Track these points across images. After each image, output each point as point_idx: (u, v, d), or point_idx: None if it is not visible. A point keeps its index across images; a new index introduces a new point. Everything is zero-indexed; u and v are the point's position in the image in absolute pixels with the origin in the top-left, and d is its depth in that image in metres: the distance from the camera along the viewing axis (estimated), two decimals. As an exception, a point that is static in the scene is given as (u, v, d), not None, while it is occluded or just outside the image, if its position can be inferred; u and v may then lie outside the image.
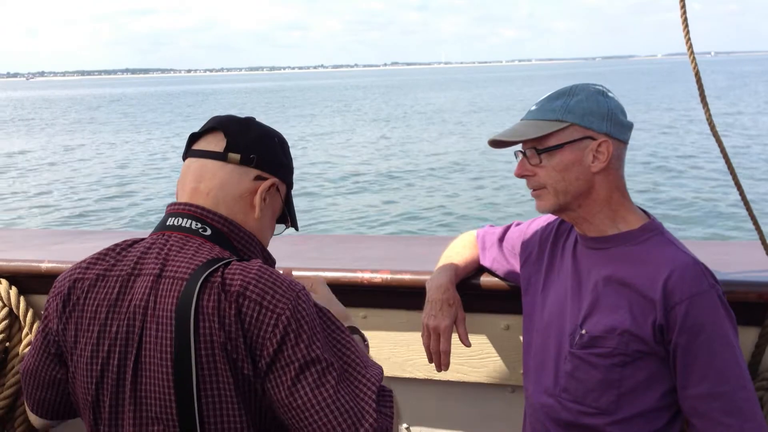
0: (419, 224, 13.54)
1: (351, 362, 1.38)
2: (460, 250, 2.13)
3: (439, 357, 1.96)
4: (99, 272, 1.46)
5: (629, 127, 1.73)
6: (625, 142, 1.72)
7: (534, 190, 1.73)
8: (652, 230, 1.72)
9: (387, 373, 2.33)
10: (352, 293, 2.28)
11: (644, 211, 1.78)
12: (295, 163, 1.66)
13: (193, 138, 1.55)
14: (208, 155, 1.50)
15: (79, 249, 2.75)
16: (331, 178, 18.91)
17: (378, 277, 2.22)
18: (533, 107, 1.75)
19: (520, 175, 1.73)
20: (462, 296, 2.01)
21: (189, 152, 1.54)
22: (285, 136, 1.65)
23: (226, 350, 1.30)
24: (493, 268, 2.10)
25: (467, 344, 1.97)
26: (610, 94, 1.74)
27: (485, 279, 2.13)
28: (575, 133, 1.67)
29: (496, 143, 1.76)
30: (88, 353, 1.44)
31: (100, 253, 1.51)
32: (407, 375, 2.32)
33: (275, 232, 1.63)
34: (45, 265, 2.50)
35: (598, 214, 1.72)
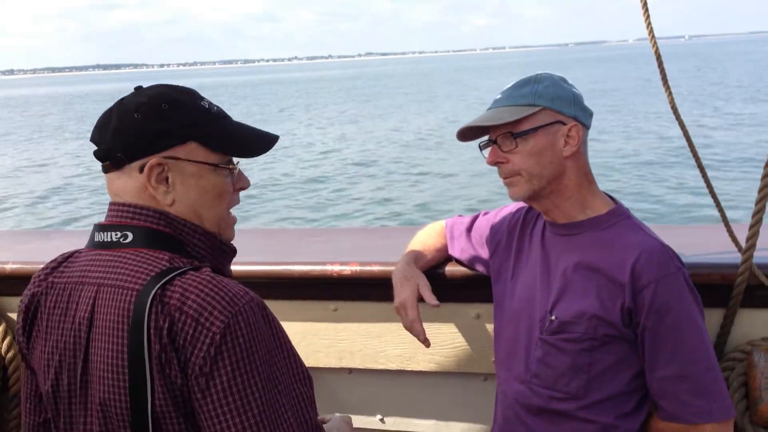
0: (391, 214, 13.56)
1: (282, 391, 1.28)
2: (425, 239, 2.13)
3: (414, 332, 1.92)
4: (49, 282, 1.43)
5: (591, 113, 1.77)
6: (588, 128, 1.75)
7: (506, 177, 1.74)
8: (619, 215, 1.74)
9: (360, 365, 2.35)
10: (322, 286, 2.28)
11: (610, 197, 1.80)
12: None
13: None
14: (103, 170, 1.41)
15: (45, 249, 2.71)
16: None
17: (347, 269, 2.21)
18: (499, 96, 1.77)
19: (493, 163, 1.74)
20: (432, 286, 2.00)
21: None
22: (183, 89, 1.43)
23: (161, 362, 1.24)
24: (461, 258, 2.10)
25: (434, 304, 1.90)
26: (570, 83, 1.78)
27: (454, 268, 2.13)
28: (547, 117, 1.70)
29: (465, 134, 1.77)
30: (43, 365, 1.41)
31: (53, 261, 1.47)
32: (380, 366, 2.32)
33: (230, 164, 1.42)
34: (10, 266, 2.46)
35: (568, 199, 1.74)
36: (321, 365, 2.35)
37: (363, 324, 2.30)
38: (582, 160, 1.74)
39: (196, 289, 1.26)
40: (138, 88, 1.43)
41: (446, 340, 2.20)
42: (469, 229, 2.07)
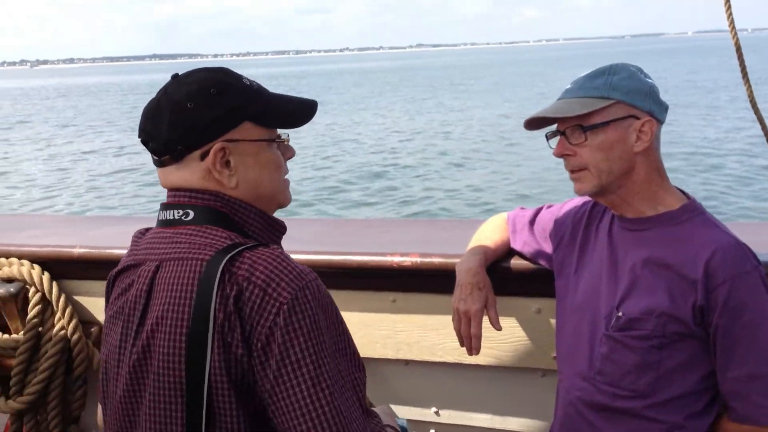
0: (448, 207, 13.46)
1: (343, 371, 1.31)
2: (490, 234, 2.11)
3: (470, 341, 1.94)
4: (123, 262, 1.48)
5: (666, 107, 1.72)
6: (663, 122, 1.69)
7: (573, 171, 1.70)
8: (692, 211, 1.68)
9: (417, 357, 2.34)
10: (382, 277, 2.27)
11: (683, 192, 1.75)
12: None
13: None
14: (154, 162, 1.44)
15: (111, 234, 2.77)
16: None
17: (407, 260, 2.20)
18: (571, 86, 1.72)
19: (559, 155, 1.70)
20: (492, 279, 1.99)
21: None
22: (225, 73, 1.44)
23: (223, 331, 1.26)
24: (523, 251, 2.07)
25: (498, 328, 1.95)
26: (647, 74, 1.72)
27: (516, 262, 2.10)
28: (620, 111, 1.64)
29: (533, 123, 1.73)
30: (107, 342, 1.47)
31: (133, 240, 1.53)
32: (437, 359, 2.31)
33: (281, 136, 1.46)
34: (77, 251, 2.52)
35: (637, 195, 1.69)
36: (378, 356, 2.35)
37: (421, 316, 2.28)
38: (654, 156, 1.69)
39: (265, 262, 1.29)
40: (175, 76, 1.44)
41: (505, 335, 2.17)
42: (531, 222, 2.04)
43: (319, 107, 1.54)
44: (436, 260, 2.17)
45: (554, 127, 1.74)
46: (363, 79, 76.17)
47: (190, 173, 1.40)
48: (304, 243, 1.55)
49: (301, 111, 1.49)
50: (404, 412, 2.44)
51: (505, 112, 29.74)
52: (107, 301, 1.52)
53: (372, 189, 15.54)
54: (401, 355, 2.35)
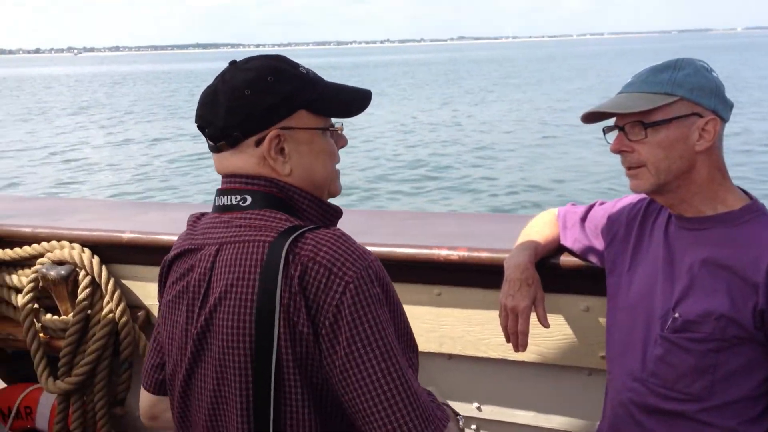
0: (497, 201, 13.31)
1: (403, 352, 1.33)
2: (540, 229, 2.07)
3: (516, 337, 1.91)
4: (180, 247, 1.50)
5: (731, 106, 1.65)
6: (727, 121, 1.64)
7: (630, 168, 1.66)
8: (754, 211, 1.63)
9: (461, 351, 2.32)
10: (428, 270, 2.26)
11: (745, 192, 1.69)
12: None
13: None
14: (210, 148, 1.45)
15: (160, 220, 2.80)
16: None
17: (454, 254, 2.18)
18: (633, 80, 1.67)
19: (617, 151, 1.66)
20: (541, 276, 1.96)
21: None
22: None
23: (288, 311, 1.28)
24: (574, 248, 2.03)
25: (546, 325, 1.92)
26: (714, 71, 1.66)
27: (565, 259, 2.06)
28: (683, 108, 1.59)
29: (591, 117, 1.69)
30: (168, 328, 1.49)
31: (188, 224, 1.55)
32: (481, 354, 2.29)
33: (334, 126, 1.47)
34: (126, 236, 2.56)
35: (697, 194, 1.64)
36: (421, 349, 2.32)
37: (466, 310, 2.26)
38: (716, 155, 1.63)
39: (329, 242, 1.31)
40: (233, 63, 1.46)
41: (551, 332, 2.14)
42: (583, 219, 2.00)
43: (373, 98, 1.54)
44: (484, 255, 2.15)
45: (612, 121, 1.70)
46: (415, 70, 75.73)
47: (245, 159, 1.41)
48: (350, 234, 1.55)
49: (355, 100, 1.50)
50: (446, 407, 2.43)
51: (560, 106, 29.25)
52: (162, 285, 1.54)
53: (420, 181, 15.43)
54: (444, 349, 2.33)
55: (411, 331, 1.40)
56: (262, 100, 1.38)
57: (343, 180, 1.58)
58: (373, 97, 1.54)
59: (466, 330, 2.28)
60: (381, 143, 20.50)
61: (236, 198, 1.42)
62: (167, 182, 16.23)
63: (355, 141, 19.50)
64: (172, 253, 1.50)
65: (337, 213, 1.51)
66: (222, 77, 1.42)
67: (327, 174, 1.47)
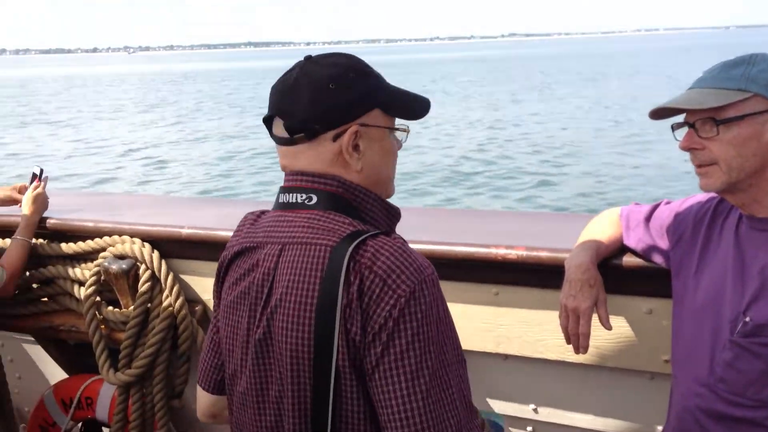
0: (556, 200, 13.09)
1: (449, 366, 1.32)
2: (602, 228, 2.03)
3: (577, 339, 1.87)
4: (241, 245, 1.50)
5: None
6: None
7: (701, 166, 1.60)
8: None
9: (517, 352, 2.29)
10: (485, 269, 2.23)
11: None
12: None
13: (267, 121, 1.49)
14: (281, 142, 1.45)
15: (218, 215, 2.84)
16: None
17: (513, 253, 2.14)
18: (704, 75, 1.61)
19: (686, 148, 1.61)
20: (602, 276, 1.92)
21: (270, 136, 1.50)
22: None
23: (345, 318, 1.30)
24: (637, 249, 1.98)
25: (608, 327, 1.87)
26: None
27: (628, 259, 2.01)
28: (758, 104, 1.53)
29: (660, 113, 1.65)
30: (225, 323, 1.50)
31: (245, 221, 1.56)
32: (538, 355, 2.25)
33: (400, 138, 1.51)
34: (185, 231, 2.60)
35: None
36: (476, 349, 2.32)
37: (524, 310, 2.23)
38: None
39: (388, 252, 1.31)
40: (309, 57, 1.47)
41: (613, 334, 2.09)
42: (647, 219, 1.95)
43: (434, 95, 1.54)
44: (543, 254, 2.11)
45: (681, 117, 1.65)
46: (471, 67, 75.13)
47: (319, 153, 1.42)
48: (408, 232, 1.55)
49: (419, 105, 1.52)
50: (501, 407, 2.40)
51: (627, 103, 28.65)
52: (220, 283, 1.55)
53: (477, 179, 15.29)
54: (501, 349, 2.30)
55: (459, 344, 1.38)
56: (345, 95, 1.40)
57: (403, 177, 1.59)
58: (434, 94, 1.55)
59: (524, 330, 2.25)
60: (439, 142, 20.40)
61: (302, 196, 1.42)
62: (234, 179, 16.41)
63: (414, 138, 19.41)
64: (233, 250, 1.51)
65: (397, 214, 1.53)
66: (300, 70, 1.43)
67: (391, 174, 1.51)
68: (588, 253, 1.93)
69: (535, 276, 2.16)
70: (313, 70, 1.41)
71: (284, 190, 1.46)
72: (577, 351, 1.90)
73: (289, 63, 1.54)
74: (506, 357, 2.32)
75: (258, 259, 1.43)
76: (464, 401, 1.33)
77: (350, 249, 1.31)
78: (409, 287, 1.29)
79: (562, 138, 20.43)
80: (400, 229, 1.52)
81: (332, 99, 1.39)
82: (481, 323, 2.29)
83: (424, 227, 2.49)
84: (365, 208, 1.44)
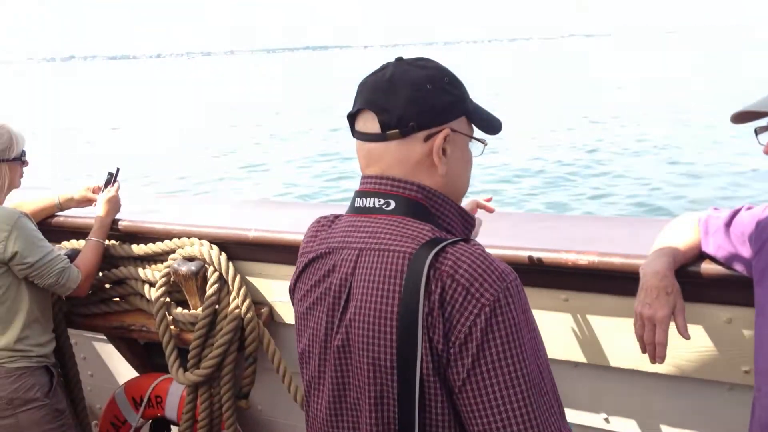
0: (629, 205, 12.66)
1: (544, 370, 1.31)
2: (679, 234, 1.96)
3: (653, 348, 1.82)
4: (316, 251, 1.50)
5: None
6: None
7: None
8: None
9: (588, 360, 2.23)
10: (554, 275, 2.19)
11: None
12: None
13: (351, 117, 1.48)
14: (368, 138, 1.43)
15: (285, 218, 2.86)
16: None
17: (584, 259, 2.09)
18: None
19: None
20: (680, 284, 1.85)
21: (353, 133, 1.49)
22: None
23: (427, 326, 1.28)
24: (716, 255, 1.91)
25: (686, 337, 1.81)
26: None
27: (706, 266, 1.94)
28: None
29: (742, 117, 1.58)
30: (301, 324, 1.51)
31: (317, 225, 1.56)
32: (610, 364, 2.20)
33: (475, 154, 1.53)
34: (252, 234, 2.63)
35: None
36: None
37: (595, 317, 2.18)
38: None
39: (469, 260, 1.30)
40: (400, 59, 1.48)
41: (690, 344, 2.01)
42: (728, 224, 1.87)
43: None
44: (616, 260, 2.06)
45: (765, 121, 1.58)
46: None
47: (407, 153, 1.41)
48: (478, 236, 1.54)
49: (496, 121, 1.54)
50: (571, 416, 2.34)
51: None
52: (297, 278, 1.55)
53: (546, 181, 14.91)
54: (570, 357, 2.25)
55: (545, 348, 1.36)
56: (441, 97, 1.41)
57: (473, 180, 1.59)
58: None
59: (595, 338, 2.20)
60: (507, 143, 20.10)
61: (379, 201, 1.42)
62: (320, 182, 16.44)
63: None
64: (309, 256, 1.51)
65: (472, 221, 1.52)
66: (395, 69, 1.43)
67: (467, 183, 1.52)
68: (665, 260, 1.87)
69: (608, 282, 2.11)
70: (409, 70, 1.42)
71: (361, 194, 1.45)
72: (653, 360, 1.84)
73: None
74: (576, 365, 2.27)
75: (334, 264, 1.43)
76: (559, 405, 1.32)
77: (430, 256, 1.30)
78: (493, 295, 1.27)
79: (647, 135, 19.69)
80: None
81: (429, 99, 1.40)
82: (549, 329, 2.25)
83: (493, 231, 2.45)
84: (443, 215, 1.44)
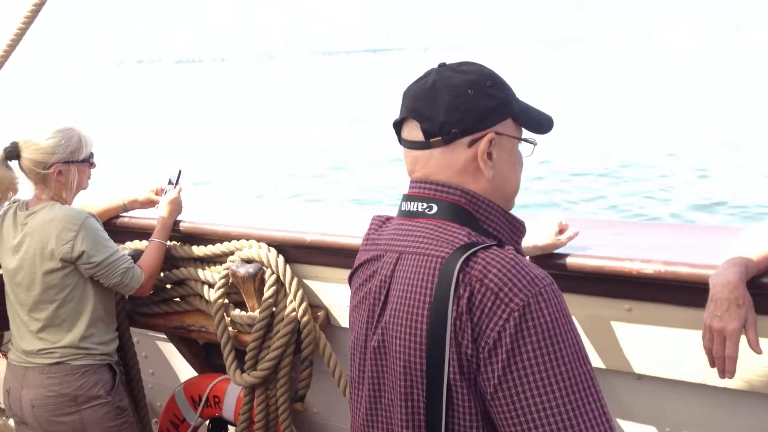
0: (698, 210, 12.20)
1: (584, 378, 1.26)
2: (752, 244, 1.88)
3: (723, 362, 1.74)
4: (363, 257, 1.55)
5: None
6: None
7: None
8: None
9: (652, 372, 2.16)
10: (617, 283, 2.12)
11: None
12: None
13: (397, 126, 1.49)
14: (413, 146, 1.45)
15: (343, 221, 2.86)
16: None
17: (649, 268, 2.02)
18: None
19: None
20: (752, 296, 1.77)
21: (399, 140, 1.50)
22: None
23: (455, 330, 1.28)
24: None
25: (758, 351, 1.73)
26: None
27: None
28: None
29: None
30: (353, 332, 1.55)
31: (374, 225, 1.60)
32: (675, 377, 2.12)
33: (526, 154, 1.51)
34: (309, 237, 2.63)
35: None
36: (607, 366, 2.21)
37: (660, 329, 2.10)
38: None
39: (499, 264, 1.29)
40: (443, 65, 1.47)
41: (762, 358, 1.92)
42: None
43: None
44: (683, 270, 1.98)
45: None
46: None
47: (452, 159, 1.42)
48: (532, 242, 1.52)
49: (546, 120, 1.52)
50: (633, 429, 2.28)
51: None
52: (351, 278, 1.60)
53: (609, 184, 14.56)
54: (633, 369, 2.18)
55: (584, 361, 1.30)
56: (484, 102, 1.41)
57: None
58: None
59: (660, 350, 2.12)
60: (562, 145, 19.67)
61: (422, 205, 1.43)
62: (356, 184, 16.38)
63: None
64: (360, 259, 1.55)
65: (522, 227, 1.50)
66: (437, 75, 1.44)
67: (517, 186, 1.51)
68: (736, 270, 1.79)
69: (674, 293, 2.03)
70: (451, 76, 1.42)
71: (407, 198, 1.48)
72: (722, 375, 1.76)
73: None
74: (640, 377, 2.19)
75: (378, 267, 1.47)
76: (605, 416, 1.27)
77: (461, 260, 1.30)
78: (522, 300, 1.25)
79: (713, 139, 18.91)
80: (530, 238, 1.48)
81: (471, 104, 1.40)
82: (612, 340, 2.18)
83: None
84: (488, 219, 1.44)
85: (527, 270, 1.29)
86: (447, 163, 1.42)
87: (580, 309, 2.17)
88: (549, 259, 2.14)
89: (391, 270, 1.42)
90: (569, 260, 2.13)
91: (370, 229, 1.60)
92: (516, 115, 1.45)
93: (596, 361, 2.21)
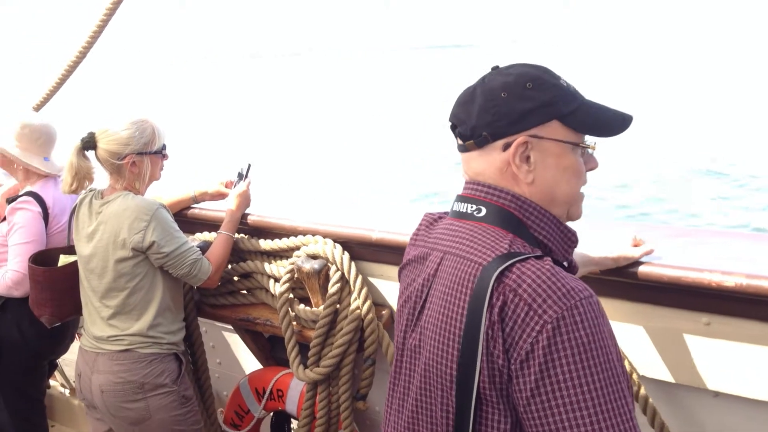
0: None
1: (617, 397, 1.21)
2: None
3: None
4: (412, 255, 1.56)
5: None
6: None
7: None
8: None
9: (730, 390, 2.03)
10: (695, 295, 2.01)
11: None
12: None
13: (453, 129, 1.51)
14: (458, 149, 1.48)
15: (408, 220, 2.82)
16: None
17: (730, 280, 1.91)
18: None
19: None
20: None
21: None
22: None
23: (487, 338, 1.28)
24: None
25: None
26: None
27: None
28: None
29: None
30: (398, 329, 1.56)
31: (425, 222, 1.60)
32: (756, 396, 1.99)
33: (589, 151, 1.45)
34: (375, 234, 2.60)
35: None
36: (681, 382, 2.10)
37: (741, 344, 1.98)
38: None
39: (534, 275, 1.27)
40: (495, 67, 1.46)
41: None
42: None
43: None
44: (766, 283, 1.86)
45: None
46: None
47: (488, 162, 1.41)
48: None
49: (614, 122, 1.44)
50: (708, 449, 2.17)
51: None
52: (401, 274, 1.62)
53: (687, 193, 13.96)
54: (710, 386, 2.07)
55: (619, 379, 1.24)
56: (517, 105, 1.38)
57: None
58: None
59: (740, 367, 2.00)
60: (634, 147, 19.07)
61: (472, 207, 1.43)
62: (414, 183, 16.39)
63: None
64: (408, 257, 1.56)
65: (574, 239, 1.46)
66: (483, 80, 1.44)
67: (571, 193, 1.45)
68: None
69: (757, 307, 1.91)
70: (493, 80, 1.42)
71: (459, 198, 1.48)
72: None
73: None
74: (717, 394, 2.08)
75: (424, 266, 1.48)
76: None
77: (499, 269, 1.28)
78: (556, 312, 1.22)
79: None
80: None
81: (503, 108, 1.38)
82: (687, 354, 2.07)
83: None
84: (538, 226, 1.42)
85: (564, 282, 1.26)
86: (485, 166, 1.43)
87: (653, 320, 2.08)
88: (624, 267, 2.05)
89: (434, 269, 1.43)
90: (643, 269, 2.03)
91: (420, 226, 1.60)
92: (564, 117, 1.40)
93: (667, 375, 2.11)
